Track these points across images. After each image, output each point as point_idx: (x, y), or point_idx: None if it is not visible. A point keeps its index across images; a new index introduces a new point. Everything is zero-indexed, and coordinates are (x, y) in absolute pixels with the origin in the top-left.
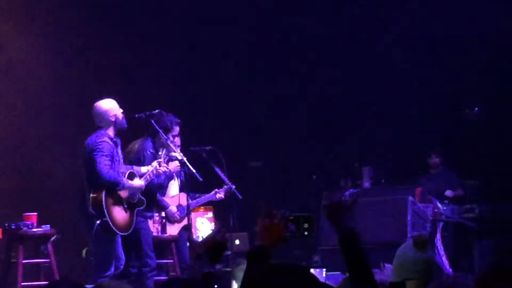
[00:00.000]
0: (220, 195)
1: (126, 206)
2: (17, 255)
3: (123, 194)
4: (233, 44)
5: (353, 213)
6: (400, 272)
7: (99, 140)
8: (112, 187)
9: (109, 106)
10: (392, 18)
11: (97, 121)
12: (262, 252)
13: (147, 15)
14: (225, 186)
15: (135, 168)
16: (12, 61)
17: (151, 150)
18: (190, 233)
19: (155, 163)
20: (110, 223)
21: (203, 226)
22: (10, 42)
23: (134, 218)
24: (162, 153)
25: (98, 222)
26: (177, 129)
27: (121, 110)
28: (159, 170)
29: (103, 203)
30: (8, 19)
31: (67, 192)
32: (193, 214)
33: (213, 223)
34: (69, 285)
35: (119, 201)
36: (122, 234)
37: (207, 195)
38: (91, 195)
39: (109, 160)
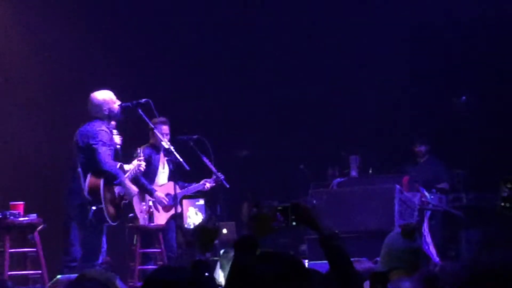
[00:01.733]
0: (209, 184)
1: (116, 197)
2: (4, 244)
3: (116, 188)
4: (220, 33)
5: (321, 212)
6: (387, 261)
7: (99, 129)
8: (110, 179)
9: (103, 98)
10: (378, 7)
11: (92, 112)
12: (250, 241)
13: (137, 6)
14: (214, 177)
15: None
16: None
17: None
18: (181, 221)
19: (135, 162)
20: (105, 210)
21: (194, 214)
22: None
23: (121, 211)
24: (140, 150)
25: (93, 208)
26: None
27: (118, 103)
28: (141, 168)
29: (101, 190)
30: None
31: (54, 181)
32: (184, 202)
33: (201, 212)
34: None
35: (112, 192)
36: (112, 223)
37: (196, 185)
38: (88, 180)
39: (110, 150)
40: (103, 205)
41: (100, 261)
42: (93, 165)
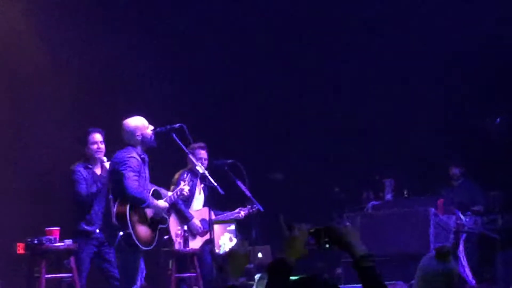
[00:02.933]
0: (244, 213)
1: (150, 222)
2: (40, 270)
3: (148, 211)
4: (250, 57)
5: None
6: (422, 284)
7: (128, 155)
8: (138, 204)
9: (135, 124)
10: (409, 29)
11: (125, 138)
12: (283, 265)
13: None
14: (249, 206)
15: (163, 191)
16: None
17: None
18: (213, 246)
19: (182, 185)
20: (133, 236)
21: (229, 240)
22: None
23: (157, 235)
24: (187, 176)
25: (121, 233)
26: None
27: (151, 128)
28: (184, 193)
29: (127, 216)
30: None
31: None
32: (216, 228)
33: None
34: None
35: (143, 216)
36: (144, 248)
37: (230, 213)
38: (116, 207)
39: (136, 176)
40: (130, 230)
41: (137, 286)
42: (121, 191)
